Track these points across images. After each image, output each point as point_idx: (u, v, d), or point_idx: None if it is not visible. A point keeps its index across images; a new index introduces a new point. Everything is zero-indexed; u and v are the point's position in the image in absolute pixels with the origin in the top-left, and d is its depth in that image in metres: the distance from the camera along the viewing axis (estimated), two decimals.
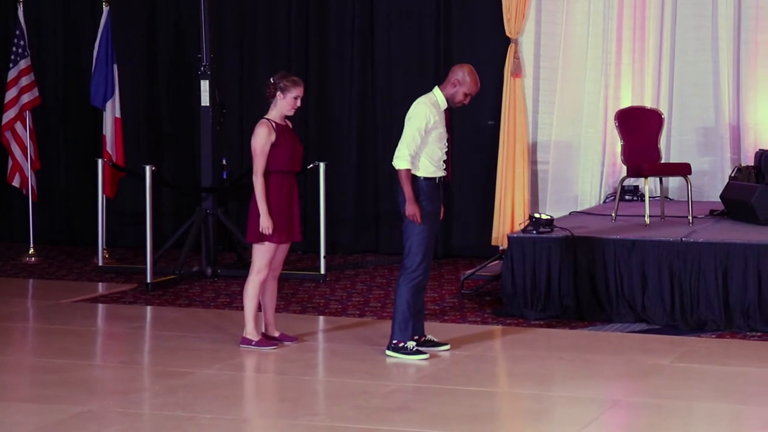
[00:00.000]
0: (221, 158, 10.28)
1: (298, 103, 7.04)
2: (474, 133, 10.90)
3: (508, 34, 10.62)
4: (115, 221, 11.06)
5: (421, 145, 6.74)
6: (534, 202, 10.77)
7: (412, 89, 11.00)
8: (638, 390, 6.32)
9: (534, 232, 8.38)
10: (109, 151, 10.67)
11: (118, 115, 10.75)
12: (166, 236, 10.44)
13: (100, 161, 10.30)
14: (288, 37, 11.51)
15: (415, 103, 6.87)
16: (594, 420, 5.74)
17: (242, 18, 11.64)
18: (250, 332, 7.11)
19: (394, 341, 6.88)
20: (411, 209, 6.75)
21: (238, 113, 11.48)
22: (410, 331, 6.86)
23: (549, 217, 8.57)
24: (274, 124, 7.01)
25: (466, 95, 6.87)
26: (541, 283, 8.18)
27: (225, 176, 10.42)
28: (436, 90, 6.89)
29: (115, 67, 10.72)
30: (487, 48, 10.74)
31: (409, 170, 6.74)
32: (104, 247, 10.34)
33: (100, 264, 10.27)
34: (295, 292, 9.27)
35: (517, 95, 10.63)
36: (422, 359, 6.83)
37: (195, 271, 9.92)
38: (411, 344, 6.86)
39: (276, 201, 6.99)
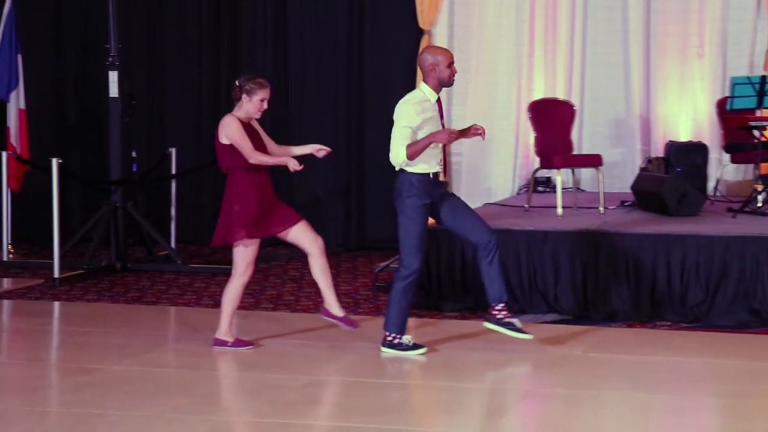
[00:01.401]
0: (130, 150, 10.17)
1: (265, 106, 6.88)
2: (388, 124, 10.88)
3: (421, 25, 10.71)
4: (20, 215, 10.86)
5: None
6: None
7: (325, 80, 11.09)
8: (550, 380, 6.37)
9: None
10: (14, 144, 10.52)
11: (22, 106, 10.59)
12: (74, 230, 10.31)
13: (4, 154, 10.12)
14: (199, 26, 11.44)
15: (399, 103, 6.71)
16: (507, 410, 5.81)
17: (151, 7, 11.53)
18: (224, 333, 6.98)
19: (389, 338, 6.76)
20: (444, 136, 6.59)
21: (147, 105, 11.37)
22: (403, 327, 6.75)
23: None
24: (242, 121, 6.87)
25: (448, 66, 6.65)
26: (455, 275, 8.24)
27: (134, 169, 10.32)
28: (422, 85, 6.70)
29: (20, 57, 10.55)
30: (401, 39, 10.81)
31: (408, 146, 6.52)
32: (9, 241, 10.19)
33: (5, 259, 10.12)
34: (208, 286, 9.21)
35: None
36: (421, 353, 6.73)
37: (104, 266, 9.80)
38: (407, 338, 6.77)
39: (249, 196, 6.83)
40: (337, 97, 11.13)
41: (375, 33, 10.94)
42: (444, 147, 6.83)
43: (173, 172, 10.49)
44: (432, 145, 6.62)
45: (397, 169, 6.68)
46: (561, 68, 10.71)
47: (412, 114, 6.58)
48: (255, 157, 6.77)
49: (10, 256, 10.15)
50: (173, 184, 10.54)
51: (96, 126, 11.34)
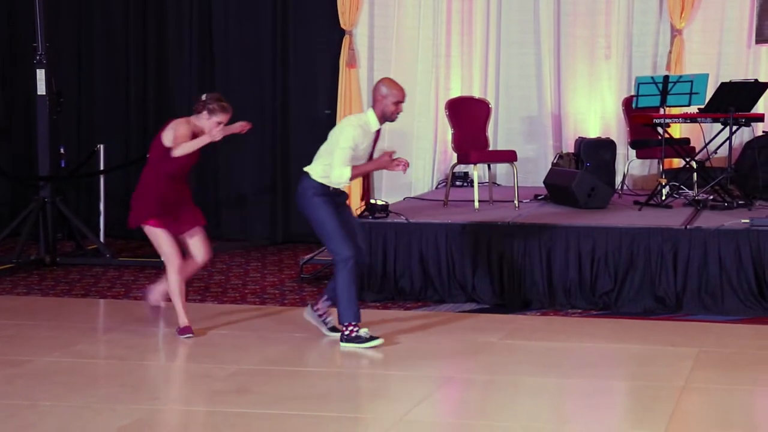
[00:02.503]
0: (59, 147, 10.15)
1: (220, 129, 6.92)
2: (311, 122, 11.06)
3: (342, 25, 10.78)
4: None
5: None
6: (370, 188, 10.97)
7: (249, 80, 11.17)
8: (470, 367, 6.48)
9: (370, 217, 8.56)
10: None
11: None
12: (2, 226, 10.24)
13: None
14: (126, 24, 11.40)
15: (344, 122, 6.81)
16: (428, 396, 5.92)
17: (79, 5, 11.48)
18: (183, 320, 7.06)
19: (346, 332, 6.80)
20: (388, 164, 6.75)
21: (75, 102, 11.35)
22: (357, 314, 6.80)
23: (384, 203, 8.76)
24: (192, 129, 6.96)
25: (395, 104, 6.79)
26: (377, 266, 8.31)
27: (63, 165, 10.31)
28: (370, 112, 6.80)
29: None
30: (323, 39, 10.87)
31: (352, 168, 6.67)
32: None
33: None
34: (136, 278, 9.24)
35: (353, 85, 10.83)
36: (378, 344, 6.79)
37: (33, 260, 9.78)
38: (364, 331, 6.81)
39: (164, 197, 6.95)
40: (263, 96, 11.19)
41: (298, 33, 10.98)
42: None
43: (101, 167, 10.49)
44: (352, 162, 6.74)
45: (347, 182, 6.78)
46: (477, 68, 10.82)
47: (355, 136, 6.70)
48: (178, 149, 6.85)
49: None
50: (101, 180, 10.53)
51: (24, 123, 11.27)
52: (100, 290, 8.79)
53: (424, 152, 10.98)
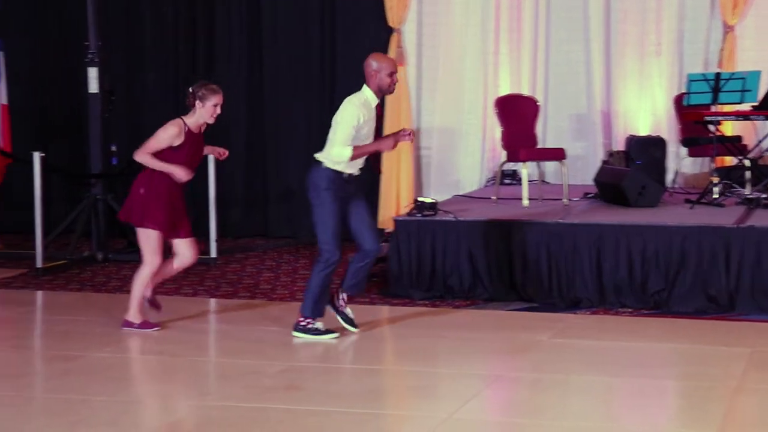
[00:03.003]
0: (110, 144, 10.25)
1: (218, 111, 6.98)
2: None
3: (390, 23, 10.80)
4: (3, 208, 10.97)
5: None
6: (418, 186, 10.97)
7: (298, 78, 11.23)
8: (518, 365, 6.46)
9: (419, 215, 8.57)
10: None
11: (4, 101, 10.63)
12: (56, 222, 10.37)
13: None
14: (175, 23, 11.51)
15: (344, 102, 6.84)
16: (476, 395, 5.90)
17: (129, 4, 11.60)
18: (133, 315, 7.18)
19: (303, 322, 6.92)
20: (390, 144, 6.81)
21: (126, 100, 11.46)
22: (320, 311, 6.94)
23: (433, 201, 8.76)
24: (186, 128, 6.98)
25: (389, 75, 6.82)
26: (425, 265, 8.33)
27: (114, 162, 10.41)
28: (364, 88, 6.83)
29: (1, 53, 10.61)
30: (371, 37, 10.86)
31: (353, 148, 6.70)
32: None
33: None
34: (186, 275, 9.28)
35: (401, 83, 10.76)
36: (333, 338, 6.92)
37: (86, 256, 9.89)
38: (319, 324, 6.93)
39: (164, 198, 6.98)
40: (310, 94, 11.21)
41: (346, 32, 11.03)
42: (380, 153, 6.99)
43: None
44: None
45: (346, 161, 6.78)
46: (525, 65, 10.81)
47: (357, 115, 6.74)
48: (143, 156, 6.91)
49: None
50: None
51: (76, 121, 11.41)
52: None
53: (473, 150, 10.98)
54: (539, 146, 9.80)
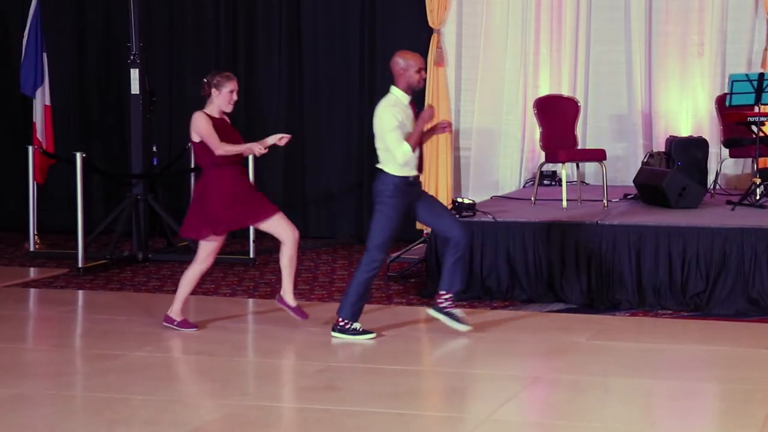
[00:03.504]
0: (151, 145, 10.34)
1: (235, 97, 7.02)
2: None
3: (430, 24, 10.80)
4: (46, 207, 11.09)
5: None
6: (457, 186, 10.97)
7: (338, 79, 11.27)
8: (556, 367, 6.45)
9: (457, 215, 8.58)
10: (39, 138, 10.67)
11: (47, 102, 10.75)
12: (97, 222, 10.50)
13: (30, 148, 10.26)
14: (216, 26, 11.59)
15: (376, 109, 6.85)
16: (514, 396, 5.89)
17: (171, 6, 11.69)
18: (175, 312, 7.22)
19: (341, 323, 6.94)
20: (428, 112, 6.80)
21: (167, 101, 11.56)
22: (357, 314, 6.95)
23: (471, 202, 8.77)
24: (211, 118, 7.01)
25: (418, 72, 6.85)
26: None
27: (155, 163, 10.50)
28: (393, 89, 6.85)
29: (45, 55, 10.72)
30: (411, 38, 10.86)
31: (406, 139, 6.72)
32: (35, 232, 10.30)
33: (32, 249, 10.25)
34: (225, 275, 9.37)
35: (440, 84, 10.84)
36: (370, 338, 6.92)
37: (126, 256, 9.98)
38: (357, 325, 6.95)
39: (218, 193, 6.99)
40: (350, 95, 11.25)
41: (386, 32, 11.05)
42: (421, 152, 6.94)
43: (192, 166, 10.64)
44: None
45: (406, 156, 6.78)
46: (566, 65, 10.77)
47: (392, 116, 6.76)
48: (222, 149, 6.92)
49: (36, 246, 10.27)
50: (192, 178, 10.68)
51: (118, 121, 11.53)
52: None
53: (512, 151, 10.96)
54: (579, 147, 9.77)
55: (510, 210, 8.95)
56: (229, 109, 7.07)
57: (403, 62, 6.87)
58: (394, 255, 9.55)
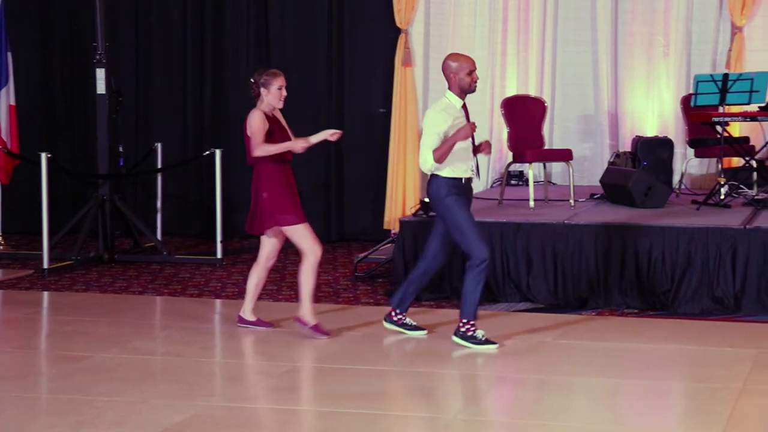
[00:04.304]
0: (117, 145, 10.30)
1: (284, 93, 7.00)
2: (367, 120, 11.11)
3: (398, 24, 10.81)
4: (10, 208, 11.01)
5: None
6: (424, 186, 10.95)
7: (306, 77, 11.25)
8: (523, 366, 6.47)
9: (424, 215, 8.58)
10: (4, 138, 10.58)
11: (12, 102, 10.66)
12: (62, 223, 10.39)
13: None
14: (183, 25, 11.54)
15: (428, 111, 6.79)
16: (482, 395, 5.95)
17: (137, 5, 11.64)
18: (308, 314, 7.07)
19: (463, 328, 6.77)
20: (467, 130, 6.66)
21: (134, 101, 11.50)
22: (476, 313, 6.80)
23: None
24: (267, 114, 7.00)
25: (469, 74, 6.74)
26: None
27: (122, 163, 10.46)
28: (447, 93, 6.77)
29: (9, 55, 10.63)
30: (378, 38, 10.91)
31: (434, 150, 6.61)
32: (0, 233, 10.26)
33: None
34: (192, 276, 9.35)
35: (408, 84, 10.85)
36: (491, 350, 6.73)
37: (92, 257, 9.92)
38: (480, 333, 6.77)
39: (275, 184, 6.96)
40: (318, 95, 11.24)
41: (353, 32, 11.05)
42: (474, 152, 6.86)
43: (159, 166, 10.63)
44: (461, 151, 6.69)
45: (428, 174, 6.75)
46: (533, 66, 10.80)
47: (439, 120, 6.67)
48: (260, 149, 6.90)
49: (1, 247, 10.22)
50: (159, 178, 10.68)
51: (84, 121, 11.46)
52: (157, 287, 8.91)
53: None
54: (546, 147, 9.80)
55: (478, 210, 8.89)
56: (280, 105, 7.05)
57: (455, 65, 6.76)
58: (362, 255, 9.55)
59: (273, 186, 6.95)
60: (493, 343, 6.79)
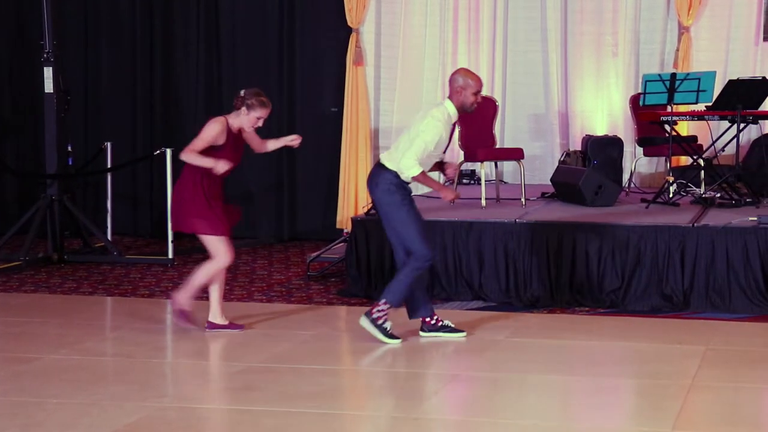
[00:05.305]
0: (66, 144, 10.22)
1: (260, 124, 6.96)
2: (318, 119, 11.10)
3: (349, 23, 10.82)
4: None
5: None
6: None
7: (257, 76, 11.22)
8: (476, 364, 6.50)
9: (376, 215, 8.60)
10: None
11: None
12: (10, 223, 10.30)
13: None
14: (132, 23, 11.47)
15: (429, 117, 6.72)
16: (434, 393, 5.95)
17: (85, 3, 11.55)
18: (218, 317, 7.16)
19: (375, 312, 6.75)
20: (449, 196, 6.76)
21: (83, 100, 11.41)
22: (400, 301, 6.80)
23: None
24: (228, 128, 6.94)
25: (475, 94, 6.75)
26: (383, 264, 8.33)
27: (70, 162, 10.37)
28: (448, 103, 6.76)
29: None
30: (330, 37, 10.92)
31: (422, 172, 6.67)
32: None
33: None
34: (143, 276, 9.29)
35: (359, 83, 10.86)
36: (394, 344, 6.76)
37: (41, 257, 9.84)
38: (389, 324, 6.81)
39: (198, 194, 6.94)
40: (269, 94, 11.10)
41: (305, 31, 11.03)
42: (437, 167, 6.93)
43: (108, 165, 10.55)
44: (428, 159, 6.73)
45: (411, 177, 6.71)
46: (483, 65, 10.82)
47: (436, 131, 6.69)
48: (187, 154, 6.86)
49: None
50: (109, 178, 10.60)
51: (31, 120, 11.35)
52: (107, 288, 8.85)
53: None
54: (497, 146, 9.84)
55: (429, 209, 8.94)
56: (249, 130, 7.01)
57: (462, 81, 6.75)
58: (314, 255, 9.54)
59: (190, 190, 6.93)
60: (398, 338, 6.82)
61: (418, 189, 10.68)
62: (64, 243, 10.01)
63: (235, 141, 7.00)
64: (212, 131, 6.89)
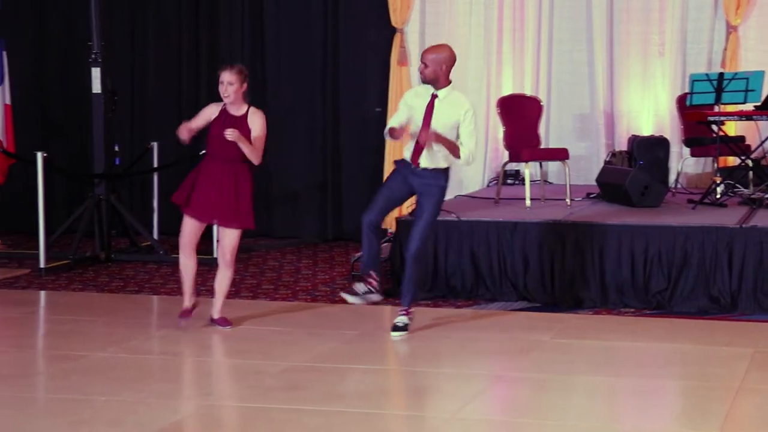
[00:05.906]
0: (113, 145, 10.30)
1: (224, 87, 7.08)
2: (363, 119, 11.12)
3: (393, 23, 10.83)
4: (7, 207, 10.99)
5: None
6: None
7: (301, 77, 11.27)
8: (520, 365, 6.49)
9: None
10: (0, 138, 10.62)
11: (8, 101, 10.67)
12: (59, 223, 10.39)
13: None
14: (178, 24, 11.55)
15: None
16: (479, 394, 5.93)
17: (132, 4, 11.64)
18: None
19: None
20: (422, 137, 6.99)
21: (129, 100, 11.50)
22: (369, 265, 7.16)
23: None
24: (223, 107, 7.12)
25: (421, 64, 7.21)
26: (428, 264, 8.34)
27: (117, 162, 10.45)
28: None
29: (4, 54, 10.63)
30: (374, 37, 10.93)
31: (389, 127, 7.05)
32: None
33: None
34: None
35: (404, 83, 10.85)
36: (354, 303, 7.17)
37: (88, 256, 9.91)
38: (360, 286, 7.13)
39: (195, 173, 7.08)
40: (313, 95, 11.24)
41: (349, 31, 11.06)
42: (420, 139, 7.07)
43: (155, 165, 10.63)
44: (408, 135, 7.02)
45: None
46: (528, 65, 10.82)
47: (404, 101, 7.11)
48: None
49: None
50: (155, 177, 10.68)
51: (79, 121, 11.43)
52: (153, 287, 8.91)
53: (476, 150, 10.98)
54: (542, 146, 9.82)
55: (474, 209, 8.98)
56: (225, 100, 7.11)
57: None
58: (359, 254, 9.53)
59: (193, 171, 7.11)
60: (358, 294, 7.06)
61: (463, 188, 10.75)
62: (111, 242, 10.09)
63: (222, 122, 7.09)
64: (204, 112, 7.17)
